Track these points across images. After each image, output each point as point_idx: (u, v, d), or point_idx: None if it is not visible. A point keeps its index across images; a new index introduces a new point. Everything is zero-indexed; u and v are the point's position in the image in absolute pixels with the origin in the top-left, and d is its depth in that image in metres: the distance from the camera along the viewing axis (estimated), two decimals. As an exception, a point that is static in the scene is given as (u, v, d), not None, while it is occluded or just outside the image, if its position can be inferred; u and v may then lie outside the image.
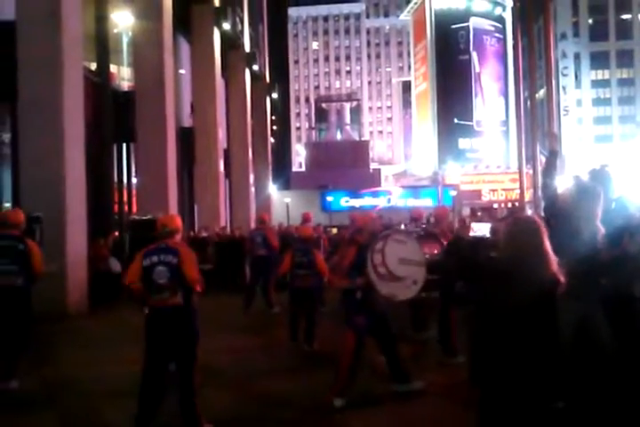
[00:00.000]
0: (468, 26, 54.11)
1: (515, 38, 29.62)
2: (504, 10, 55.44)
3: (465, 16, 54.17)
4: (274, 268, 10.26)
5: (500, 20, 55.84)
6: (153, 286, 4.33)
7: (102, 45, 15.36)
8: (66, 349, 7.82)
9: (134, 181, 17.05)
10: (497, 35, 55.76)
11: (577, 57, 53.50)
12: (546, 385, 2.63)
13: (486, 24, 55.41)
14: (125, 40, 17.69)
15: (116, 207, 16.03)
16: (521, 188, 22.47)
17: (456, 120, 52.90)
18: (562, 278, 2.72)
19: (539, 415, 2.64)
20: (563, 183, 6.05)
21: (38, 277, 5.99)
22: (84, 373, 6.40)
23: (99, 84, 14.76)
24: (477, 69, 54.04)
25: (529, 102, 24.14)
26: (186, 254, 4.40)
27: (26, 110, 10.45)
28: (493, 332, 2.68)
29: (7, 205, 11.69)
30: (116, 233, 14.42)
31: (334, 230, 20.12)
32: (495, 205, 40.16)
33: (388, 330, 5.28)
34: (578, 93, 52.97)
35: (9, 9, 11.11)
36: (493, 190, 42.48)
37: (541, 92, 47.80)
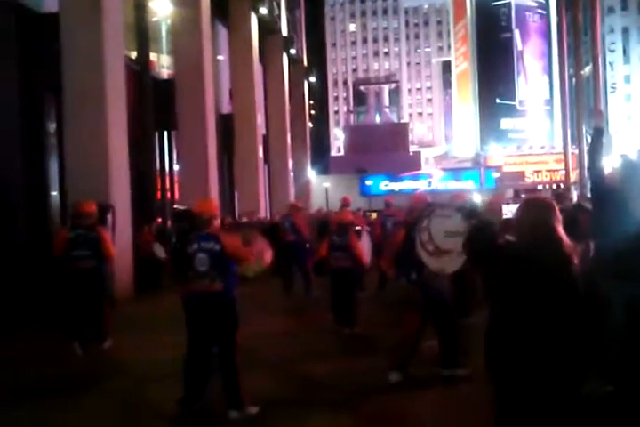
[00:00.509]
0: (510, 2, 52.53)
1: (559, 14, 28.68)
2: (547, -16, 53.63)
3: (506, -8, 52.60)
4: (303, 253, 10.32)
5: (544, -5, 54.02)
6: (194, 272, 4.45)
7: (142, 34, 15.54)
8: (113, 333, 8.05)
9: (176, 168, 17.30)
10: (540, 11, 54.02)
11: (625, 31, 51.42)
12: (569, 368, 2.58)
13: (529, 0, 53.73)
14: (164, 28, 17.85)
15: (158, 194, 16.33)
16: (566, 168, 21.91)
17: (498, 100, 51.67)
18: (575, 259, 2.68)
19: (563, 400, 2.59)
20: (610, 163, 5.87)
21: (109, 261, 7.13)
22: (129, 356, 6.59)
23: (139, 73, 14.97)
24: (520, 47, 52.55)
25: (574, 80, 23.42)
26: (227, 239, 4.49)
27: (70, 100, 10.69)
28: (510, 315, 2.64)
29: (54, 193, 12.03)
30: (159, 220, 14.69)
31: (374, 215, 20.02)
32: (540, 187, 39.27)
33: (444, 311, 5.27)
34: (626, 69, 51.00)
35: (52, 1, 11.33)
36: (537, 171, 41.47)
37: (587, 69, 46.25)
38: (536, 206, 2.81)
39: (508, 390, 2.65)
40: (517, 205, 2.95)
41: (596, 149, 4.21)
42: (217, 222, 4.66)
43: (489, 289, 2.83)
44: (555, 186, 36.91)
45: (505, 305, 2.67)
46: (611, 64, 50.14)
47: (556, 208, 2.81)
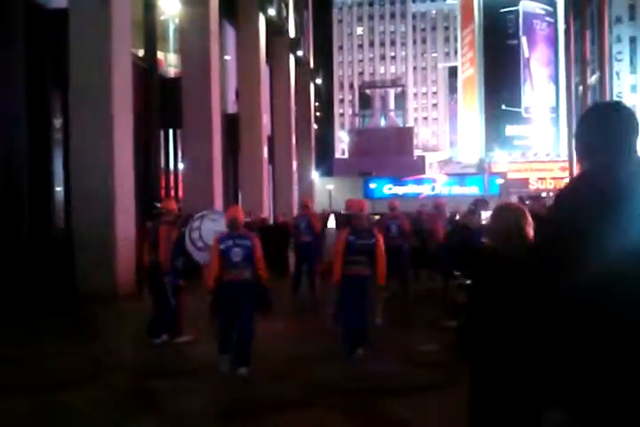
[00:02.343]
0: (518, 10, 52.59)
1: (567, 22, 28.72)
2: (556, -8, 53.65)
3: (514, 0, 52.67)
4: (315, 254, 10.33)
5: (551, 3, 54.06)
6: (230, 263, 5.54)
7: (150, 32, 15.55)
8: (114, 329, 8.04)
9: (180, 166, 17.29)
10: (547, 19, 54.05)
11: (632, 41, 51.38)
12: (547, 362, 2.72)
13: (537, 8, 53.75)
14: (172, 27, 17.87)
15: (162, 192, 16.32)
16: (570, 176, 21.88)
17: (504, 106, 51.66)
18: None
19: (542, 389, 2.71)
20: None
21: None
22: (128, 352, 6.57)
23: (146, 71, 14.97)
24: (527, 54, 52.56)
25: (580, 88, 23.43)
26: (255, 240, 5.75)
27: (77, 96, 10.69)
28: (486, 313, 2.82)
29: (58, 189, 12.02)
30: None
31: (377, 217, 19.96)
32: (543, 194, 39.24)
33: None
34: (632, 79, 50.94)
35: (61, -3, 11.35)
36: (542, 179, 41.45)
37: (593, 78, 46.17)
38: (508, 212, 3.01)
39: (483, 377, 2.82)
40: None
41: None
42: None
43: (471, 289, 3.02)
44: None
45: (483, 304, 2.85)
46: (617, 73, 50.06)
47: (527, 213, 3.02)
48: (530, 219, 2.97)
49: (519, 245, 2.87)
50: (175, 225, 7.19)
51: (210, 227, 6.81)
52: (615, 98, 50.38)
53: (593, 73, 46.88)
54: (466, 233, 7.13)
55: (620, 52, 51.35)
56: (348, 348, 6.00)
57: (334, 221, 16.45)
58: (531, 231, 2.92)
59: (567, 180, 24.77)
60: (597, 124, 1.75)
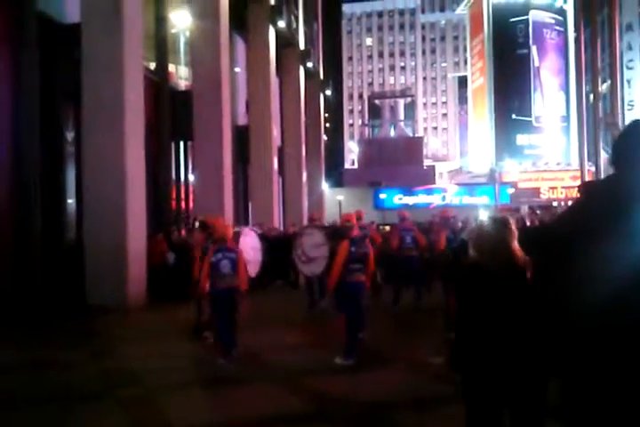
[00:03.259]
0: (528, 19, 52.59)
1: (577, 30, 28.65)
2: (565, 1, 53.62)
3: (524, 9, 52.68)
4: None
5: (561, 12, 54.03)
6: (219, 274, 6.27)
7: (161, 45, 15.72)
8: (123, 341, 8.06)
9: (191, 178, 17.39)
10: (557, 28, 54.00)
11: (643, 49, 51.20)
12: (531, 367, 2.78)
13: (546, 17, 53.73)
14: (183, 40, 18.06)
15: (173, 204, 16.41)
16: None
17: (514, 116, 51.51)
18: (529, 272, 2.87)
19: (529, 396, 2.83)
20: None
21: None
22: (139, 365, 6.58)
23: (157, 84, 15.12)
24: (537, 64, 52.48)
25: (591, 97, 23.32)
26: (240, 254, 6.43)
27: (89, 109, 10.81)
28: (474, 324, 2.89)
29: (70, 201, 12.13)
30: (183, 231, 14.62)
31: (387, 228, 19.95)
32: (555, 204, 39.01)
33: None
34: (644, 87, 50.69)
35: (73, 12, 11.51)
36: (553, 188, 41.18)
37: (604, 87, 45.97)
38: (493, 225, 3.04)
39: (475, 389, 2.89)
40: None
41: None
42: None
43: (458, 300, 3.08)
44: (570, 203, 36.61)
45: (470, 314, 2.92)
46: (628, 81, 49.84)
47: (512, 225, 3.06)
48: (515, 231, 3.01)
49: (503, 258, 2.90)
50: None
51: (309, 242, 7.80)
52: (627, 107, 50.18)
53: (604, 81, 46.67)
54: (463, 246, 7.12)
55: (631, 60, 51.14)
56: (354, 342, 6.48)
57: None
58: (516, 244, 2.96)
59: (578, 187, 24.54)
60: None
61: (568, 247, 1.74)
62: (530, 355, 2.77)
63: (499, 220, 3.14)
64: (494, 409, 2.89)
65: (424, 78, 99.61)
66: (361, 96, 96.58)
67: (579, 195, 1.92)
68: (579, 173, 23.27)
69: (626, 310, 1.57)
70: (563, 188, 40.40)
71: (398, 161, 55.19)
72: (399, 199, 36.57)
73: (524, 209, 33.33)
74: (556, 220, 2.04)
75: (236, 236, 8.31)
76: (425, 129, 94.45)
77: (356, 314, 6.53)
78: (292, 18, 25.92)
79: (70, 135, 12.26)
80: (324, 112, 34.09)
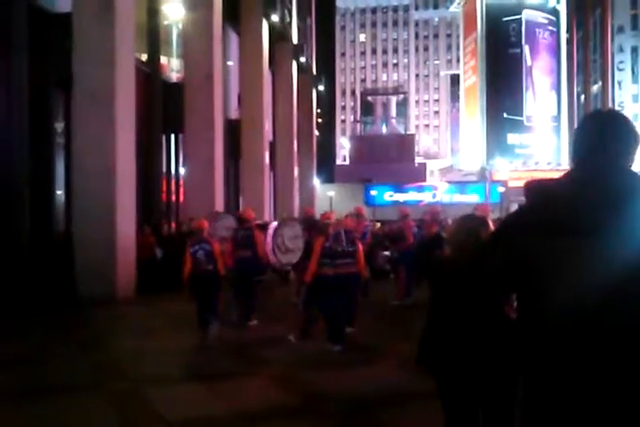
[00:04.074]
0: (521, 18, 52.73)
1: (569, 31, 28.82)
2: (558, 2, 53.83)
3: (517, 8, 52.82)
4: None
5: (554, 12, 54.22)
6: (197, 261, 7.31)
7: (153, 37, 15.58)
8: (112, 334, 8.01)
9: (182, 171, 17.30)
10: (550, 28, 54.19)
11: (634, 51, 51.51)
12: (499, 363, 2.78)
13: (539, 17, 53.90)
14: (175, 32, 17.92)
15: (164, 197, 16.30)
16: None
17: (505, 115, 51.71)
18: None
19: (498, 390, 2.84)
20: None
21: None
22: (128, 358, 6.53)
23: (149, 75, 14.99)
24: (529, 63, 52.66)
25: (582, 97, 23.49)
26: (215, 244, 7.56)
27: (80, 100, 10.69)
28: (444, 320, 2.90)
29: (59, 192, 12.01)
30: (172, 224, 14.52)
31: (377, 225, 19.98)
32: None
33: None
34: (634, 89, 51.00)
35: (65, 1, 11.38)
36: (542, 187, 41.46)
37: (595, 88, 46.21)
38: (468, 222, 3.04)
39: (447, 386, 2.92)
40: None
41: None
42: (206, 232, 7.74)
43: (431, 297, 3.08)
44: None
45: (440, 311, 2.95)
46: (619, 83, 50.17)
47: (489, 223, 3.06)
48: (491, 228, 3.00)
49: (475, 253, 2.86)
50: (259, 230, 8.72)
51: (289, 233, 8.15)
52: (617, 108, 50.50)
53: (595, 82, 46.93)
54: (439, 243, 7.15)
55: (621, 62, 51.47)
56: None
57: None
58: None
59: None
60: (597, 126, 1.74)
61: (526, 239, 1.66)
62: (496, 351, 2.77)
63: (474, 217, 3.16)
64: (468, 406, 2.90)
65: (417, 76, 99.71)
66: (353, 92, 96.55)
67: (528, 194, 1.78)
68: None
69: (608, 315, 1.54)
70: (552, 187, 40.63)
71: (390, 158, 55.29)
72: (390, 196, 36.67)
73: (515, 207, 33.46)
74: (510, 215, 1.91)
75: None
76: (417, 126, 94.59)
77: (328, 303, 6.86)
78: (286, 12, 25.81)
79: (60, 126, 12.14)
80: (317, 108, 34.04)
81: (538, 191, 1.76)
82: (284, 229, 8.48)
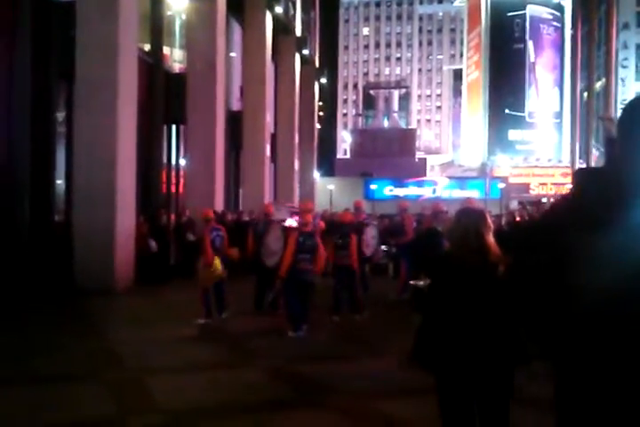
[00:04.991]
0: (525, 14, 52.48)
1: (574, 27, 28.69)
2: (563, -3, 53.63)
3: (522, 3, 52.55)
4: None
5: (559, 8, 53.96)
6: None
7: (156, 27, 15.52)
8: (110, 324, 8.04)
9: (183, 162, 17.28)
10: (554, 23, 53.94)
11: (639, 48, 51.37)
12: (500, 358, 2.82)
13: (544, 12, 53.64)
14: (179, 22, 17.84)
15: (164, 188, 16.30)
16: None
17: (507, 111, 51.56)
18: (502, 267, 2.82)
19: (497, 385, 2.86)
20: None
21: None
22: (125, 348, 6.56)
23: (152, 66, 14.95)
24: (532, 59, 52.47)
25: (585, 94, 23.42)
26: (224, 231, 8.20)
27: (82, 89, 10.68)
28: (444, 315, 2.88)
29: (59, 182, 12.01)
30: (173, 216, 14.41)
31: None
32: (544, 200, 39.23)
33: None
34: (638, 86, 50.89)
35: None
36: (543, 184, 41.38)
37: (598, 84, 46.08)
38: (468, 216, 3.01)
39: (444, 380, 2.91)
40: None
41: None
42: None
43: (430, 292, 3.07)
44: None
45: (440, 306, 2.92)
46: (622, 80, 50.04)
47: (488, 218, 3.02)
48: (490, 223, 3.00)
49: (474, 249, 2.89)
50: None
51: (272, 235, 8.38)
52: (620, 105, 50.36)
53: (598, 79, 46.79)
54: (435, 236, 7.17)
55: (626, 59, 51.31)
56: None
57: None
58: (489, 235, 2.94)
59: (568, 186, 24.67)
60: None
61: (565, 236, 1.66)
62: (494, 345, 2.78)
63: (472, 211, 3.14)
64: (464, 401, 2.91)
65: (419, 70, 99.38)
66: (356, 86, 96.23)
67: (574, 182, 1.78)
68: (569, 170, 23.40)
69: (629, 302, 1.54)
70: (553, 184, 40.61)
71: (390, 152, 55.21)
72: (390, 191, 36.61)
73: (514, 204, 33.48)
74: (548, 211, 1.91)
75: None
76: (418, 121, 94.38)
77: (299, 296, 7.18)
78: (290, 4, 25.69)
79: (62, 115, 12.11)
80: (319, 100, 33.94)
81: (583, 180, 1.77)
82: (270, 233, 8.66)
